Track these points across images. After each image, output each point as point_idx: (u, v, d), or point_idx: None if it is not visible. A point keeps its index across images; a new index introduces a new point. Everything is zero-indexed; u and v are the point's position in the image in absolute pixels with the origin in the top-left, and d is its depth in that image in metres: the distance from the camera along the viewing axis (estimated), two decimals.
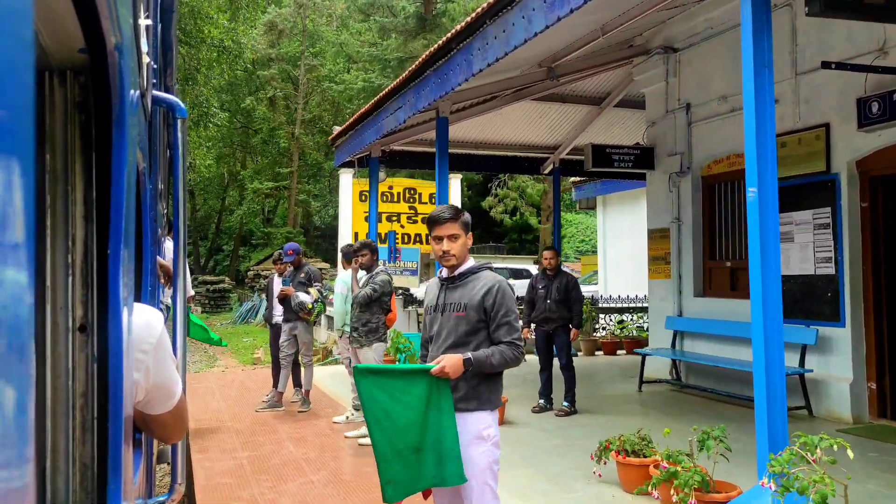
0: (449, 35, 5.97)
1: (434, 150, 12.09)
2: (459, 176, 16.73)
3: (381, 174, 10.33)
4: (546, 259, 7.51)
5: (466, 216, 3.12)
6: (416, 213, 14.36)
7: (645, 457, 4.60)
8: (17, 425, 0.50)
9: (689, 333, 8.44)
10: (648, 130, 8.87)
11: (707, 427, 4.13)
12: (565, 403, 7.17)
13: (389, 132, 8.22)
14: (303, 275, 7.92)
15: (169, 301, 3.45)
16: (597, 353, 11.84)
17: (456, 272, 3.11)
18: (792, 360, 6.72)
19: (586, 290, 19.28)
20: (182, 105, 1.95)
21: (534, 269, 23.28)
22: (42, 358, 1.05)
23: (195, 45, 18.98)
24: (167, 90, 2.85)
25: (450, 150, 12.66)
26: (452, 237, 3.08)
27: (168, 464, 2.16)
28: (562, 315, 7.26)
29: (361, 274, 6.75)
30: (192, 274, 37.38)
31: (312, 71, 36.00)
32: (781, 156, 7.63)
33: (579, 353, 11.31)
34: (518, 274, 20.41)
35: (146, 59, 1.45)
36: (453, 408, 2.84)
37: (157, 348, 1.36)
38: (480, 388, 2.98)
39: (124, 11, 1.03)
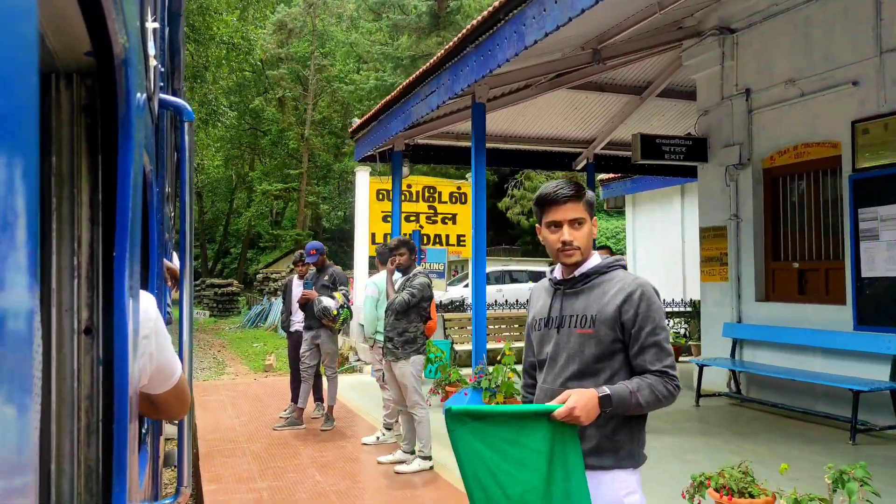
0: (497, 4, 5.51)
1: (461, 143, 11.02)
2: None
3: (405, 169, 9.52)
4: None
5: (591, 195, 2.32)
6: (436, 213, 13.48)
7: (752, 496, 4.00)
8: (20, 428, 0.50)
9: (750, 342, 7.97)
10: (701, 120, 8.08)
11: (846, 466, 3.59)
12: None
13: (418, 122, 7.94)
14: (326, 277, 7.33)
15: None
16: None
17: (577, 272, 2.30)
18: (881, 372, 6.38)
19: None
20: (189, 108, 1.94)
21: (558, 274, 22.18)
22: (47, 360, 1.05)
23: (204, 43, 18.82)
24: (175, 93, 2.88)
25: (462, 144, 11.58)
26: (576, 223, 2.26)
27: (174, 467, 2.19)
28: None
29: (396, 276, 6.07)
30: (198, 277, 37.36)
31: (322, 71, 35.49)
32: (863, 143, 6.57)
33: None
34: (537, 277, 19.58)
35: (153, 63, 1.45)
36: (584, 467, 2.08)
37: (157, 333, 1.41)
38: (618, 436, 2.20)
39: (131, 14, 1.04)
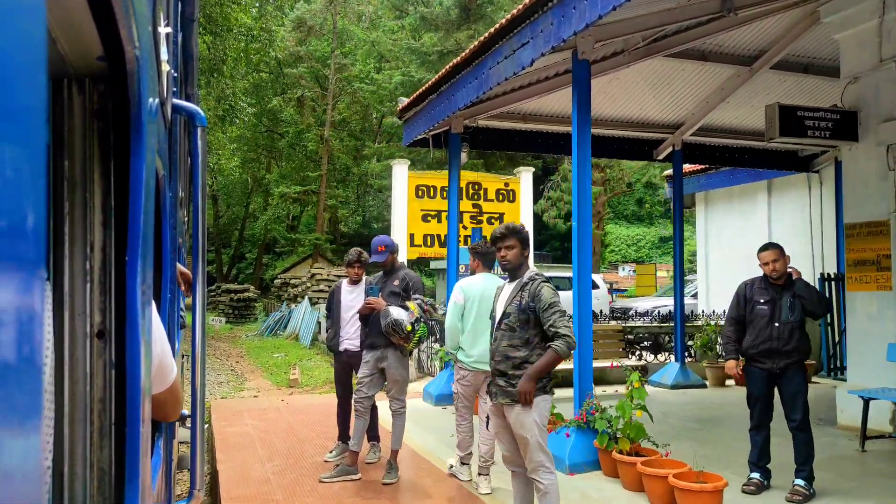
0: None
1: (528, 126, 8.94)
2: (531, 169, 13.80)
3: (463, 155, 7.65)
4: (769, 262, 5.19)
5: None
6: (481, 213, 11.53)
7: None
8: (30, 431, 0.51)
9: None
10: (849, 89, 7.18)
11: None
12: (800, 482, 4.95)
13: (483, 98, 6.98)
14: (397, 282, 5.63)
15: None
16: (727, 383, 9.79)
17: None
18: None
19: (662, 304, 16.39)
20: (202, 114, 1.93)
21: (597, 279, 20.02)
22: (60, 364, 1.07)
23: (221, 35, 18.15)
24: (188, 98, 2.86)
25: (529, 127, 9.44)
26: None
27: (188, 470, 2.12)
28: (799, 346, 5.06)
29: (492, 281, 5.04)
30: (212, 282, 37.04)
31: (342, 71, 34.61)
32: None
33: (707, 384, 9.89)
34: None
35: (166, 68, 1.46)
36: None
37: (155, 326, 1.41)
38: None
39: (143, 20, 1.05)
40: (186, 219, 3.74)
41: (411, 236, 11.28)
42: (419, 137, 7.95)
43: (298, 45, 32.68)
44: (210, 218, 44.55)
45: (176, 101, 1.91)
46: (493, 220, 11.79)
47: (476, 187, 12.17)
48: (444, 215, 10.68)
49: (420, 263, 26.68)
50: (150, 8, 1.15)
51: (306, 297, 21.53)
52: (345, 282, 6.01)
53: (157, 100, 1.25)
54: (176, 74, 2.04)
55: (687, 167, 11.48)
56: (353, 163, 37.56)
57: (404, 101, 8.17)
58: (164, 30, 1.38)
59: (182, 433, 3.61)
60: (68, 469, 1.08)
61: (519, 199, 12.80)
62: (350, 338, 5.78)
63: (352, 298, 5.80)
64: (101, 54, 0.98)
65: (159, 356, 1.41)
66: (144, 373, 1.10)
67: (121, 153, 1.08)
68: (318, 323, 19.89)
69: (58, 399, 1.05)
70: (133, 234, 1.05)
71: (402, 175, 12.43)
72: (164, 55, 1.37)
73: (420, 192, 11.56)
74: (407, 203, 11.52)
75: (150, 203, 1.16)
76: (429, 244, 11.51)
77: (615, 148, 10.14)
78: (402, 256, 11.96)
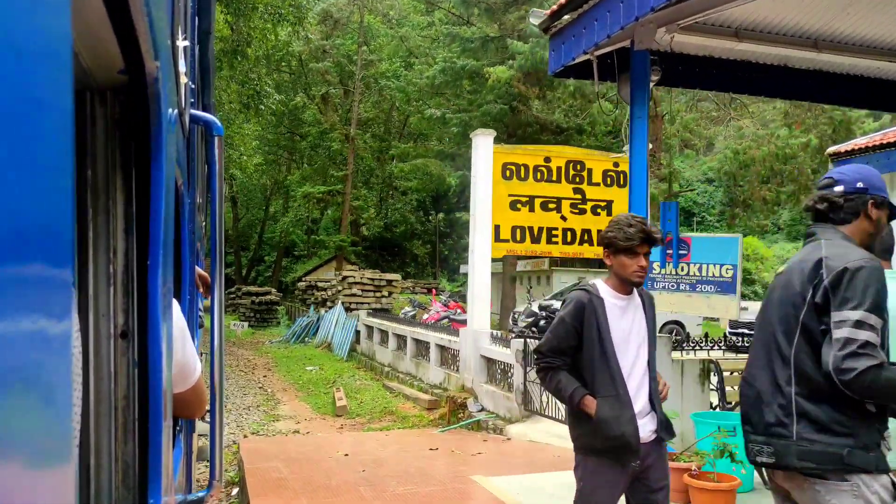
0: None
1: (743, 47, 6.39)
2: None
3: (655, 77, 4.97)
4: None
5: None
6: (584, 200, 8.99)
7: None
8: (60, 426, 0.54)
9: None
10: None
11: None
12: None
13: None
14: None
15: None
16: None
17: None
18: None
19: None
20: (219, 123, 1.98)
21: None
22: (86, 363, 1.11)
23: (245, 14, 17.14)
24: (205, 109, 2.99)
25: (724, 55, 6.64)
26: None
27: (206, 461, 2.24)
28: None
29: None
30: (231, 285, 35.78)
31: (369, 67, 33.30)
32: None
33: None
34: None
35: (184, 80, 1.53)
36: None
37: (181, 335, 1.48)
38: None
39: (162, 34, 1.10)
40: (204, 223, 3.84)
41: (496, 228, 8.73)
42: (577, 61, 5.39)
43: (324, 39, 32.34)
44: (228, 221, 44.32)
45: (193, 111, 1.99)
46: (598, 210, 9.19)
47: (578, 167, 9.52)
48: (538, 202, 8.17)
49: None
50: (169, 23, 1.20)
51: (339, 303, 19.18)
52: (607, 288, 3.09)
53: (175, 110, 1.31)
54: (193, 86, 2.14)
55: None
56: (376, 164, 36.64)
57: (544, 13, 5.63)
58: (182, 43, 1.44)
59: (201, 426, 3.55)
60: (94, 462, 1.12)
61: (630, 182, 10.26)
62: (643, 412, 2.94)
63: (627, 325, 3.01)
64: (122, 68, 1.03)
65: (182, 357, 1.46)
66: (165, 371, 1.14)
67: (142, 162, 1.13)
68: (357, 332, 17.45)
69: (84, 396, 1.07)
70: (154, 239, 1.10)
71: (485, 149, 9.74)
72: (182, 68, 1.43)
73: (508, 173, 8.97)
74: (492, 186, 8.96)
75: (170, 209, 1.21)
76: (518, 238, 8.98)
77: (851, 91, 7.23)
78: (484, 254, 9.57)
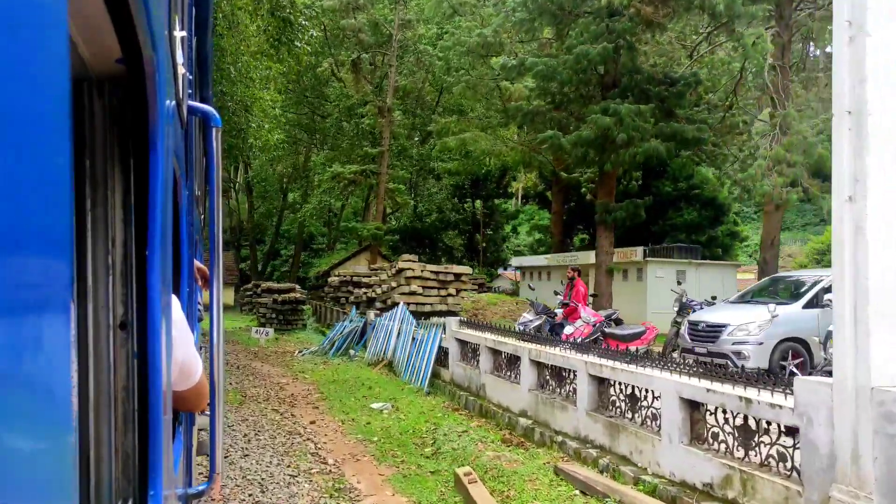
0: None
1: None
2: None
3: None
4: None
5: None
6: None
7: None
8: (60, 417, 0.55)
9: None
10: None
11: None
12: None
13: None
14: None
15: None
16: None
17: None
18: None
19: None
20: (217, 114, 1.97)
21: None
22: (85, 353, 1.13)
23: None
24: (203, 101, 2.92)
25: None
26: None
27: (206, 455, 2.26)
28: None
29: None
30: (247, 280, 33.84)
31: (408, 28, 28.35)
32: None
33: None
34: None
35: (181, 70, 1.51)
36: None
37: (182, 327, 1.53)
38: None
39: (159, 24, 1.12)
40: (203, 216, 3.71)
41: None
42: None
43: None
44: (243, 212, 42.26)
45: (191, 102, 1.96)
46: None
47: None
48: None
49: None
50: (165, 12, 1.22)
51: (400, 305, 13.39)
52: None
53: (173, 101, 1.34)
54: (191, 77, 2.14)
55: None
56: (410, 145, 32.12)
57: None
58: (179, 34, 1.44)
59: (200, 420, 3.19)
60: (94, 454, 1.12)
61: None
62: None
63: None
64: (119, 57, 1.04)
65: (184, 356, 1.52)
66: (165, 362, 1.17)
67: (140, 153, 1.14)
68: (443, 350, 10.73)
69: (83, 387, 1.10)
70: (152, 229, 1.10)
71: None
72: (179, 58, 1.44)
73: None
74: None
75: (168, 200, 1.24)
76: None
77: None
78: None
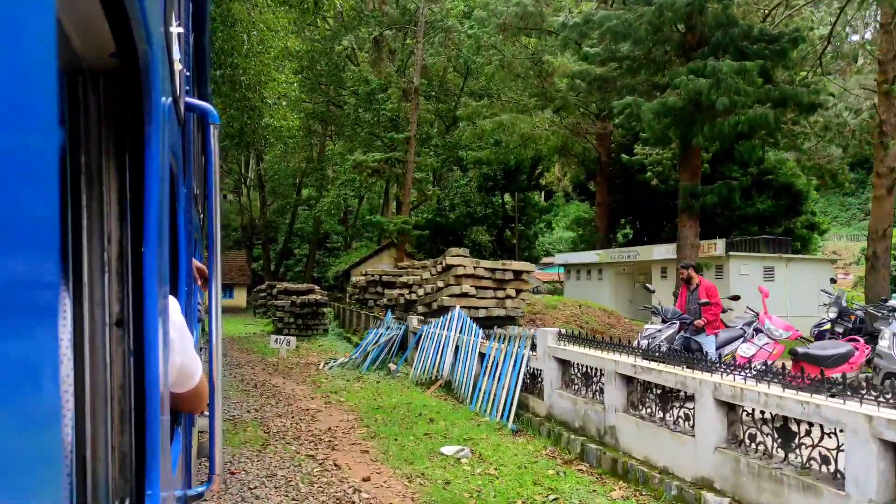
0: None
1: None
2: None
3: None
4: None
5: None
6: None
7: None
8: (56, 416, 0.55)
9: None
10: None
11: None
12: None
13: None
14: None
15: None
16: None
17: None
18: None
19: None
20: (215, 111, 1.90)
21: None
22: (80, 351, 1.11)
23: None
24: (202, 98, 2.81)
25: None
26: None
27: (207, 458, 2.13)
28: None
29: None
30: (260, 281, 30.85)
31: (434, 1, 25.20)
32: None
33: None
34: None
35: (178, 67, 1.46)
36: None
37: (181, 335, 1.50)
38: None
39: (154, 19, 1.11)
40: (202, 215, 3.55)
41: None
42: None
43: None
44: (255, 210, 39.97)
45: (189, 99, 1.90)
46: None
47: None
48: None
49: None
50: (161, 7, 1.20)
51: (456, 309, 10.40)
52: None
53: (169, 98, 1.32)
54: (189, 74, 2.05)
55: None
56: (436, 133, 28.86)
57: None
58: (175, 29, 1.40)
59: (200, 422, 3.14)
60: (90, 453, 1.09)
61: None
62: None
63: None
64: (114, 51, 1.02)
65: (183, 359, 1.51)
66: (162, 361, 1.16)
67: (135, 149, 1.13)
68: (531, 372, 7.60)
69: (79, 385, 1.08)
70: (148, 226, 1.08)
71: None
72: (176, 54, 1.40)
73: None
74: None
75: (164, 196, 1.22)
76: None
77: None
78: None
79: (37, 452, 0.45)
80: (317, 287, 24.48)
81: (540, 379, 9.18)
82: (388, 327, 15.60)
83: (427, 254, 31.60)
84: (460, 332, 11.89)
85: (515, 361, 9.48)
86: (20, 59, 0.44)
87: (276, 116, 19.63)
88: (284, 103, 20.97)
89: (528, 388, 9.51)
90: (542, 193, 46.32)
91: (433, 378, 12.02)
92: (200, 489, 1.83)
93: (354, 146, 30.14)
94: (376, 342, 14.98)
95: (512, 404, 9.18)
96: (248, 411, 10.37)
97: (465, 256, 14.93)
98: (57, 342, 0.51)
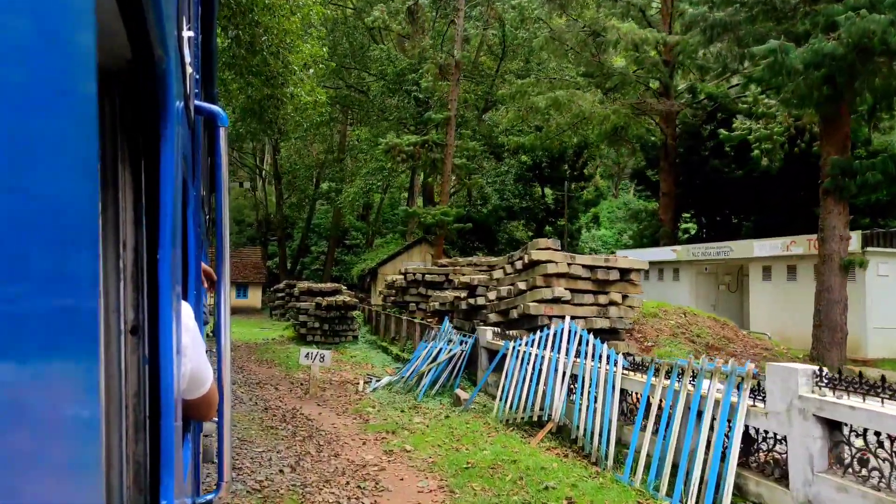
0: None
1: None
2: None
3: None
4: None
5: None
6: None
7: None
8: (88, 424, 0.55)
9: None
10: None
11: None
12: None
13: None
14: None
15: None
16: None
17: None
18: None
19: None
20: (223, 114, 1.90)
21: None
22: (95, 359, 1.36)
23: None
24: (209, 100, 2.79)
25: None
26: None
27: (212, 462, 2.03)
28: None
29: None
30: (276, 281, 28.85)
31: None
32: None
33: None
34: None
35: (189, 70, 1.45)
36: None
37: (194, 342, 1.48)
38: None
39: (169, 24, 1.11)
40: (208, 217, 3.57)
41: None
42: None
43: None
44: (271, 205, 37.91)
45: (198, 102, 1.90)
46: None
47: None
48: None
49: None
50: (175, 12, 1.20)
51: (567, 324, 6.64)
52: None
53: (182, 102, 1.32)
54: (198, 76, 2.06)
55: None
56: (475, 119, 25.73)
57: None
58: (187, 33, 1.38)
59: (207, 426, 2.76)
60: (105, 462, 1.09)
61: None
62: None
63: None
64: (130, 58, 1.04)
65: (196, 366, 1.50)
66: (176, 368, 1.16)
67: (150, 154, 1.13)
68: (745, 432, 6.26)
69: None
70: (164, 232, 1.08)
71: None
72: (187, 58, 1.39)
73: None
74: None
75: (178, 202, 1.21)
76: None
77: None
78: None
79: (67, 461, 0.48)
80: (344, 287, 22.11)
81: (770, 448, 5.85)
82: (450, 340, 12.58)
83: (460, 251, 28.46)
84: (578, 356, 8.50)
85: (723, 417, 5.99)
86: (61, 68, 0.44)
87: (303, 87, 16.47)
88: (311, 70, 17.87)
89: (743, 459, 6.15)
90: (616, 183, 42.67)
91: (533, 418, 8.85)
92: (209, 497, 1.77)
93: (381, 132, 28.13)
94: (433, 359, 11.99)
95: (724, 490, 5.68)
96: (281, 470, 7.17)
97: (555, 250, 11.63)
98: (88, 350, 0.52)
